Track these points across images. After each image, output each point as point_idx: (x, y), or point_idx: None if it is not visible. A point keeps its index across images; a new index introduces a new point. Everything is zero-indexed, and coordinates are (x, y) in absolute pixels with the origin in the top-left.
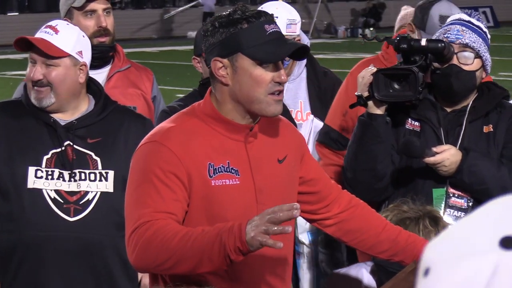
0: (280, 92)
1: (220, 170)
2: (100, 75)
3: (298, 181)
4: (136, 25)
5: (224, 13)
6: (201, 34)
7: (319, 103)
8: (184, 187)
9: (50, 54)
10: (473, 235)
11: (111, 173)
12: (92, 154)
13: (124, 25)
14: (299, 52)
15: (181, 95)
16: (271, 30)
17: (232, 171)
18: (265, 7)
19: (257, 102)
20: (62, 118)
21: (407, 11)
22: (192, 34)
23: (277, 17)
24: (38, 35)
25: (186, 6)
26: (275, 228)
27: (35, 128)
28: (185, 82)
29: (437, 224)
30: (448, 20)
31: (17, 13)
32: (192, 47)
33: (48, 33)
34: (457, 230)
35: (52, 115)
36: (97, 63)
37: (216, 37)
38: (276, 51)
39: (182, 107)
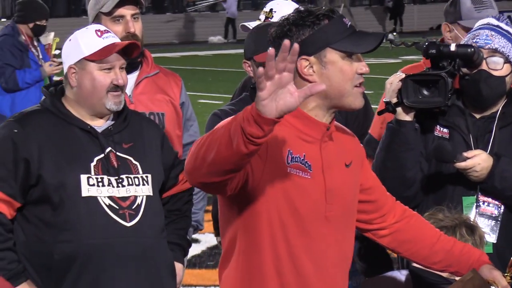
0: (362, 83)
1: (296, 160)
2: (128, 81)
3: (359, 188)
4: (157, 30)
5: (293, 14)
6: (276, 41)
7: None
8: (259, 156)
9: (133, 57)
10: None
11: (150, 177)
12: (132, 159)
13: (145, 29)
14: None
15: (204, 101)
16: (349, 24)
17: (306, 164)
18: (271, 5)
19: (347, 95)
20: (96, 124)
21: None
22: (214, 39)
23: (275, 11)
24: (106, 41)
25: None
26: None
27: (75, 136)
28: (207, 87)
29: (474, 233)
30: (476, 25)
31: None
32: (214, 52)
33: (114, 37)
34: None
35: (87, 121)
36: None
37: (296, 37)
38: (364, 41)
39: (233, 111)
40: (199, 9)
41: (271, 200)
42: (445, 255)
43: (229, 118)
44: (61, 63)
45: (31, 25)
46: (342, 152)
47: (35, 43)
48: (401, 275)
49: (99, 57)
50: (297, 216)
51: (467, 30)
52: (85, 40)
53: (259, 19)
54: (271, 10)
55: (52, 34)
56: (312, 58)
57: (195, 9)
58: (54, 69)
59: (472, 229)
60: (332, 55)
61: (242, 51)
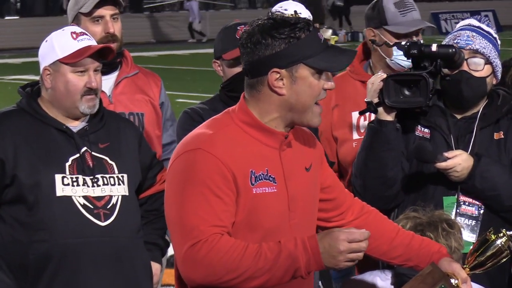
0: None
1: (260, 178)
2: (107, 81)
3: (319, 189)
4: (135, 29)
5: (267, 22)
6: (248, 46)
7: None
8: (233, 195)
9: (108, 61)
10: None
11: (125, 177)
12: (107, 158)
13: (122, 28)
14: None
15: (182, 100)
16: (322, 38)
17: (270, 178)
18: (285, 5)
19: (308, 111)
20: (72, 125)
21: None
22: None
23: (300, 13)
24: (81, 43)
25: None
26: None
27: (51, 136)
28: (185, 86)
29: (454, 227)
30: (458, 26)
31: (16, 17)
32: (192, 51)
33: (90, 39)
34: None
35: (63, 122)
36: (104, 69)
37: (271, 48)
38: (338, 59)
39: (204, 110)
40: (175, 8)
41: (237, 225)
42: (404, 249)
43: (261, 254)
44: None
45: None
46: (301, 157)
47: None
48: (384, 275)
49: (72, 59)
50: (261, 230)
51: (394, 35)
52: (60, 42)
53: None
54: (295, 12)
55: (330, 31)
56: (283, 71)
57: (155, 7)
58: None
59: (451, 223)
60: (304, 70)
61: None
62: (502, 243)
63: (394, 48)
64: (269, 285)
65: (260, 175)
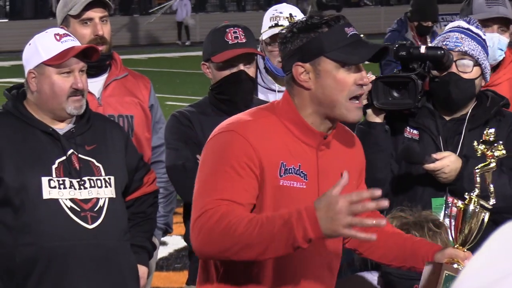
0: (361, 96)
1: (290, 171)
2: (96, 83)
3: None
4: (124, 32)
5: (301, 19)
6: (278, 41)
7: None
8: (257, 179)
9: (93, 61)
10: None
11: (112, 179)
12: (94, 161)
13: (111, 31)
14: (378, 53)
15: (171, 103)
16: (351, 33)
17: (302, 174)
18: (280, 8)
19: (339, 106)
20: (58, 127)
21: None
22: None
23: (295, 16)
24: (64, 44)
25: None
26: (369, 221)
27: (37, 138)
28: (175, 89)
29: (440, 227)
30: (447, 27)
31: (5, 20)
32: (182, 53)
33: (74, 40)
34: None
35: (49, 124)
36: (93, 71)
37: (295, 43)
38: (360, 52)
39: (192, 113)
40: (166, 11)
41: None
42: (399, 251)
43: (257, 220)
44: None
45: (415, 23)
46: (340, 161)
47: (428, 40)
48: (372, 275)
49: (57, 61)
50: None
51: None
52: (43, 45)
53: (279, 25)
54: (290, 15)
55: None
56: (307, 65)
57: (154, 11)
58: None
59: (437, 224)
60: (326, 64)
61: None
62: (476, 205)
63: None
64: (268, 255)
65: (291, 168)
